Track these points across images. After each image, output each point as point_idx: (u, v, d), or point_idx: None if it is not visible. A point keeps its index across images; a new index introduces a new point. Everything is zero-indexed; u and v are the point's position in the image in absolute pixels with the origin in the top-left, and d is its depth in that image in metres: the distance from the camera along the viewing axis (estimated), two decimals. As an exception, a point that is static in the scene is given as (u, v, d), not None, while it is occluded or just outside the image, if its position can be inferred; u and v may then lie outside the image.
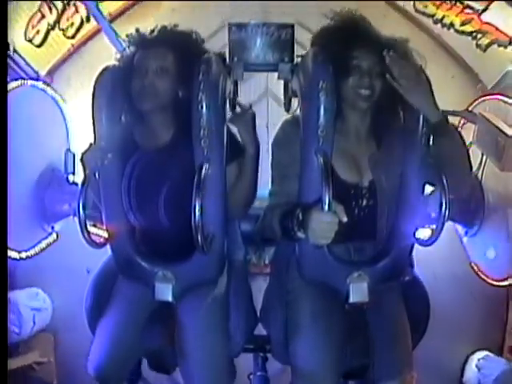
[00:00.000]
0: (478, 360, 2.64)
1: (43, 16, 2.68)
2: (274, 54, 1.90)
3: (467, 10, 2.64)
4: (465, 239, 1.87)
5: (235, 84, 1.90)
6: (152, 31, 1.72)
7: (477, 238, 1.82)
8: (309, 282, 1.68)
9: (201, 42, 1.75)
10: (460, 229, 1.87)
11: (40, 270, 2.28)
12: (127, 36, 1.74)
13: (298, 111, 1.67)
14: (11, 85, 1.63)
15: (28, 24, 2.62)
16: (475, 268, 1.84)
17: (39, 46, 2.65)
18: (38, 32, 2.65)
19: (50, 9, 2.68)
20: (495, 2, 2.52)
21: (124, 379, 1.78)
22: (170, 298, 1.67)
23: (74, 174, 1.79)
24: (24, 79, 1.69)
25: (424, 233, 1.74)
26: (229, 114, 1.79)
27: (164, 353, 1.78)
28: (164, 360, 1.81)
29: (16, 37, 2.52)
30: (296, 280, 1.70)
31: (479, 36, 2.62)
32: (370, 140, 1.68)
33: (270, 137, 1.74)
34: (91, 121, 1.65)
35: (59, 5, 2.71)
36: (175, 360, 1.76)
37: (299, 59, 1.78)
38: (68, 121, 1.82)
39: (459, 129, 1.92)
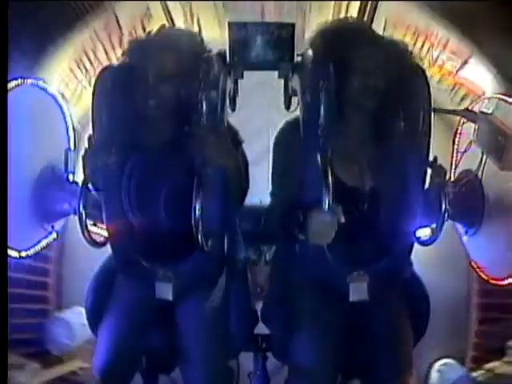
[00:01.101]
0: (440, 365, 2.87)
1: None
2: (275, 52, 1.90)
3: (447, 65, 2.64)
4: (465, 238, 1.87)
5: (235, 83, 1.90)
6: (151, 32, 1.71)
7: (477, 238, 1.82)
8: (309, 281, 1.69)
9: (200, 41, 1.75)
10: (460, 228, 1.87)
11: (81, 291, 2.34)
12: (130, 41, 1.73)
13: (298, 110, 1.67)
14: (11, 84, 1.63)
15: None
16: (475, 267, 1.84)
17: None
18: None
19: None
20: (473, 57, 2.50)
21: (129, 380, 1.75)
22: (170, 297, 1.67)
23: (74, 173, 1.79)
24: (23, 78, 1.69)
25: (424, 232, 1.73)
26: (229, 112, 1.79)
27: (163, 352, 1.78)
28: (163, 360, 1.81)
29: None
30: (296, 279, 1.71)
31: (455, 90, 2.64)
32: (370, 142, 1.68)
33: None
34: (91, 120, 1.66)
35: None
36: (174, 359, 1.77)
37: (299, 58, 1.78)
38: (68, 119, 1.82)
39: (459, 128, 1.93)
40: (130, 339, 1.70)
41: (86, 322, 1.86)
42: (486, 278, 1.81)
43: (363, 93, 1.56)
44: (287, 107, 1.94)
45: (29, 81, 1.71)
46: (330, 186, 1.38)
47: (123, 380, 1.74)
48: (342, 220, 1.38)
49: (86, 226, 1.60)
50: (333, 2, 2.84)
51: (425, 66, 2.51)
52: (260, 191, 1.83)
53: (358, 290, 1.64)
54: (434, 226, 1.65)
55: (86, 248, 1.66)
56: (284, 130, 1.68)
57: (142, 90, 1.62)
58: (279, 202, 1.65)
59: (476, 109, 1.86)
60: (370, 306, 1.67)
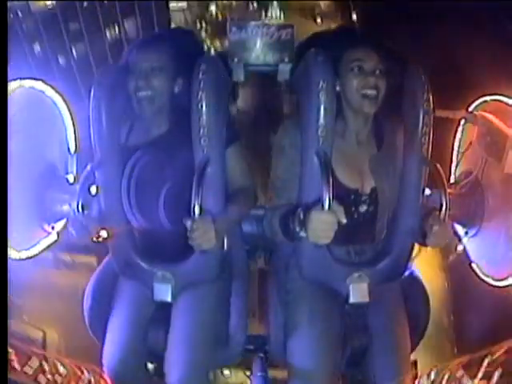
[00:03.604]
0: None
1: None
2: (274, 54, 1.90)
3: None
4: (465, 239, 1.87)
5: (235, 84, 1.91)
6: (151, 30, 1.73)
7: (477, 239, 1.82)
8: (309, 283, 1.68)
9: (199, 40, 1.76)
10: (460, 229, 1.86)
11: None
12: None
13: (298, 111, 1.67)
14: (11, 85, 1.63)
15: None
16: (475, 268, 1.84)
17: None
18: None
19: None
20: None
21: (139, 379, 1.71)
22: (168, 298, 1.67)
23: (73, 174, 1.79)
24: (23, 79, 1.69)
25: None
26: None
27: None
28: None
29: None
30: (295, 280, 1.70)
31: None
32: (370, 142, 1.68)
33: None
34: (90, 121, 1.66)
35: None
36: None
37: (299, 59, 1.78)
38: (67, 121, 1.82)
39: (460, 127, 1.93)
40: (136, 339, 1.69)
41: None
42: (486, 278, 1.80)
43: (369, 92, 1.56)
44: (287, 108, 1.95)
45: (28, 82, 1.71)
46: (330, 185, 1.38)
47: (134, 380, 1.70)
48: (343, 220, 1.37)
49: (86, 226, 1.60)
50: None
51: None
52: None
53: (358, 292, 1.64)
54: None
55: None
56: (284, 131, 1.68)
57: (138, 87, 1.63)
58: (280, 201, 1.64)
59: (476, 109, 1.85)
60: (370, 307, 1.67)
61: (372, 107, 1.58)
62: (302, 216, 1.42)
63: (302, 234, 1.43)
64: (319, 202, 1.38)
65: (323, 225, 1.37)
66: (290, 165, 1.62)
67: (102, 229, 1.58)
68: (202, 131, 1.58)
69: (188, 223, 1.47)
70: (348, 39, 1.62)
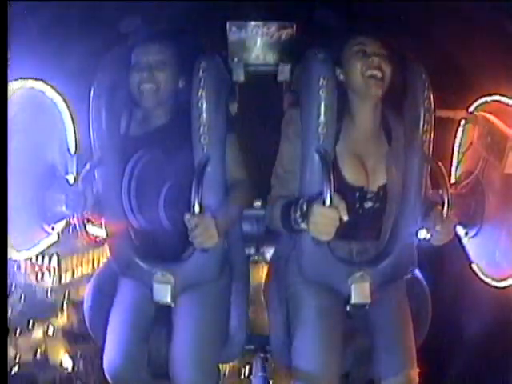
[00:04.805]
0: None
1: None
2: (275, 54, 1.91)
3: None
4: (465, 240, 1.87)
5: (235, 84, 1.91)
6: (150, 26, 1.74)
7: (477, 239, 1.82)
8: (310, 282, 1.68)
9: (199, 39, 1.77)
10: (460, 229, 1.86)
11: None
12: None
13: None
14: (11, 86, 1.63)
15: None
16: (476, 269, 1.84)
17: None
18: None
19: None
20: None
21: (141, 380, 1.70)
22: (168, 299, 1.66)
23: (74, 174, 1.79)
24: (24, 78, 1.69)
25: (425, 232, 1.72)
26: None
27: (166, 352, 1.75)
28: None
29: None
30: (295, 274, 1.69)
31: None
32: (381, 139, 1.68)
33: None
34: (89, 120, 1.66)
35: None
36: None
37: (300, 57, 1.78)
38: (67, 122, 1.82)
39: (461, 128, 1.93)
40: (137, 340, 1.68)
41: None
42: (485, 279, 1.80)
43: (374, 72, 1.55)
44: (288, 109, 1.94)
45: (29, 83, 1.70)
46: (331, 183, 1.38)
47: (136, 381, 1.70)
48: (345, 217, 1.37)
49: (86, 227, 1.60)
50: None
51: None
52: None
53: (360, 292, 1.64)
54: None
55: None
56: (288, 123, 1.68)
57: (142, 80, 1.63)
58: (280, 194, 1.64)
59: (476, 110, 1.85)
60: (374, 307, 1.66)
61: (378, 89, 1.56)
62: (304, 208, 1.42)
63: (303, 225, 1.42)
64: (321, 196, 1.38)
65: (325, 219, 1.36)
66: (294, 155, 1.61)
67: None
68: (202, 129, 1.58)
69: (188, 220, 1.47)
70: (351, 27, 1.63)
